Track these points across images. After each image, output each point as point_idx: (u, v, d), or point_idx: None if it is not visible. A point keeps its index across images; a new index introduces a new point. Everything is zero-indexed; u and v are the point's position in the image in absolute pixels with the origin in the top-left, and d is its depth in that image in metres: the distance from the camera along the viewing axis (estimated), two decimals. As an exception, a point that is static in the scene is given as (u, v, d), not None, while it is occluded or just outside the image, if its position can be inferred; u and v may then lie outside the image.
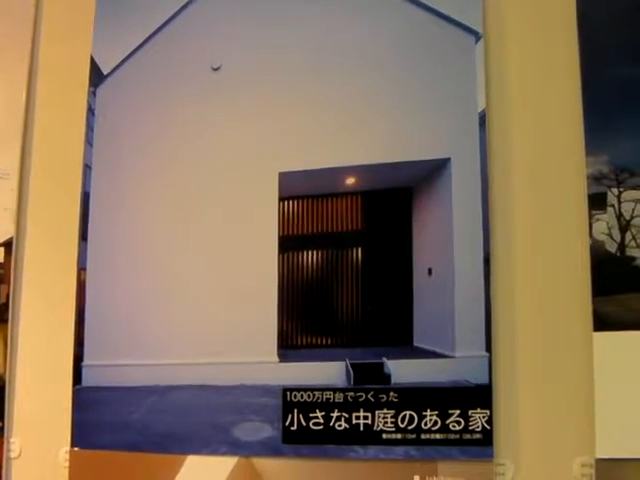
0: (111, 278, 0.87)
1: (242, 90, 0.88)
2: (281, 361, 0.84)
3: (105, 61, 0.90)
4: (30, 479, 0.85)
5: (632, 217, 0.74)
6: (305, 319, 0.87)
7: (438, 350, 0.82)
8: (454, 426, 0.75)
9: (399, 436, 0.76)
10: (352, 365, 0.82)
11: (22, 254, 0.89)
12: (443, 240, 0.83)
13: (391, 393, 0.76)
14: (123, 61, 0.90)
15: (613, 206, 0.75)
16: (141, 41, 0.90)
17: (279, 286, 0.85)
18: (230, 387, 0.82)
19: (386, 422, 0.76)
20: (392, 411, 0.76)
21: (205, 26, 0.90)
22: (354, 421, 0.77)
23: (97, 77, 0.90)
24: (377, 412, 0.76)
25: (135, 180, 0.89)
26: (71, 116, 0.90)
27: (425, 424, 0.75)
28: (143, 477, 0.81)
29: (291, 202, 0.90)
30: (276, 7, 0.88)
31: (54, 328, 0.86)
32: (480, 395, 0.74)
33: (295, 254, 0.88)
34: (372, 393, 0.77)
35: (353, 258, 0.90)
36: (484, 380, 0.74)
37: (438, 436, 0.75)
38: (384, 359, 0.81)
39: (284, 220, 0.88)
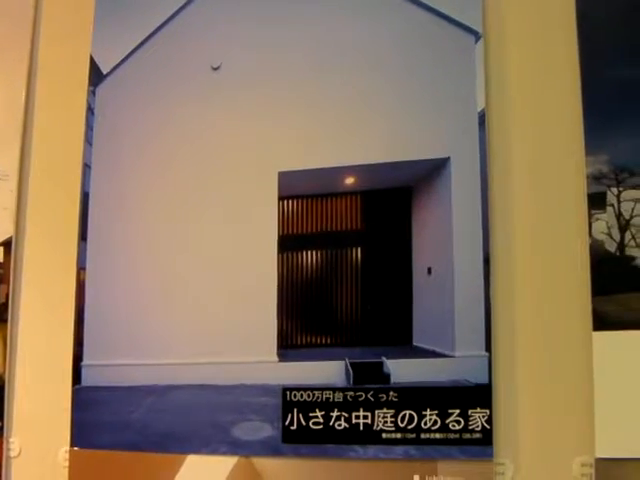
0: (111, 278, 0.87)
1: (242, 90, 0.88)
2: (281, 361, 0.84)
3: (105, 60, 0.90)
4: (30, 479, 0.85)
5: (632, 216, 0.74)
6: (305, 319, 0.87)
7: (438, 350, 0.82)
8: (454, 426, 0.75)
9: (399, 436, 0.76)
10: (352, 364, 0.82)
11: (22, 254, 0.89)
12: (443, 240, 0.83)
13: (391, 393, 0.76)
14: (123, 60, 0.90)
15: (613, 205, 0.75)
16: (141, 40, 0.90)
17: (279, 286, 0.85)
18: (230, 387, 0.82)
19: (386, 422, 0.76)
20: (392, 411, 0.76)
21: (205, 25, 0.90)
22: (354, 421, 0.76)
23: (97, 76, 0.90)
24: (377, 412, 0.76)
25: (135, 180, 0.89)
26: (70, 116, 0.90)
27: (425, 424, 0.75)
28: (143, 477, 0.81)
29: (291, 202, 0.90)
30: (276, 6, 0.88)
31: (54, 328, 0.86)
32: (480, 395, 0.74)
33: (295, 254, 0.88)
34: (372, 393, 0.77)
35: (353, 258, 0.90)
36: (484, 380, 0.74)
37: (438, 436, 0.75)
38: (384, 358, 0.81)
39: (284, 220, 0.88)
